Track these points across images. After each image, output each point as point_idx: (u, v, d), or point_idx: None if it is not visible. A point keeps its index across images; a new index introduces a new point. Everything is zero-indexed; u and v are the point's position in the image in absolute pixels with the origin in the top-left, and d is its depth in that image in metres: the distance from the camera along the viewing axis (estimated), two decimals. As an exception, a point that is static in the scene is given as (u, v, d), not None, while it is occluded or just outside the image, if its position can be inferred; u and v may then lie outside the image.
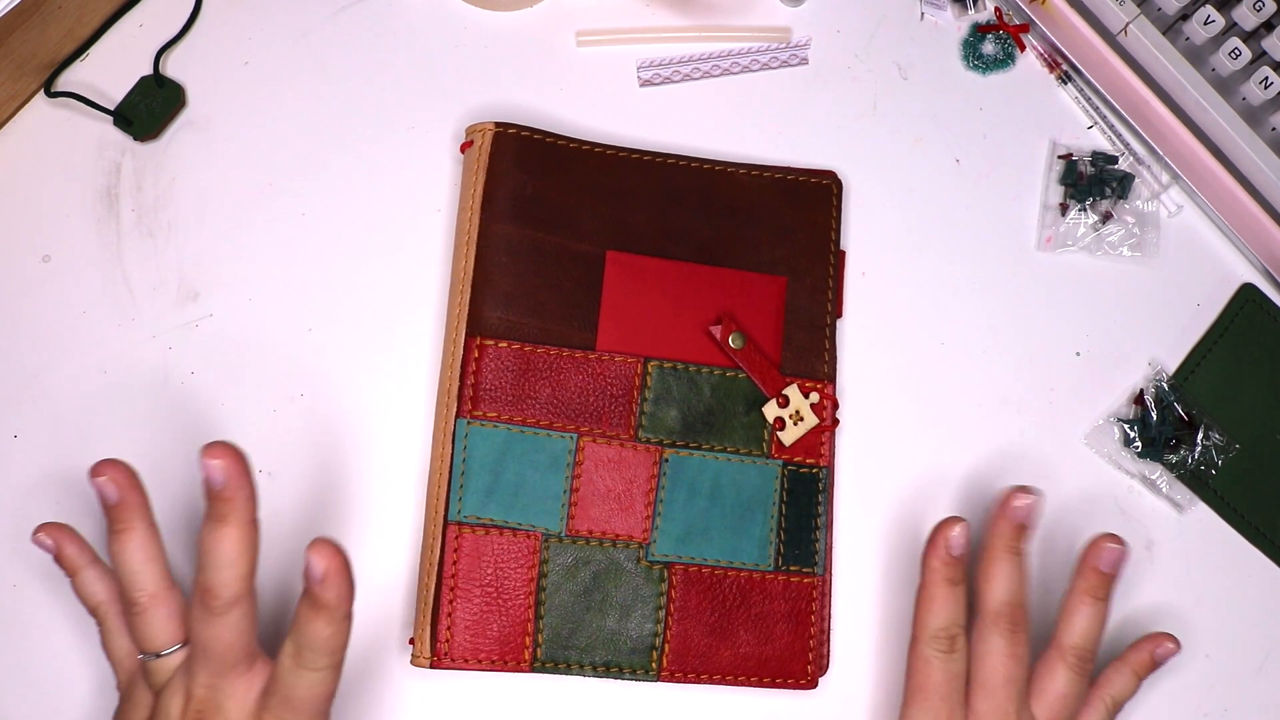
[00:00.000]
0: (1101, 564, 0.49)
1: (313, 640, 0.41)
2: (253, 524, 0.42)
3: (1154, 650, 0.51)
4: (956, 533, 0.47)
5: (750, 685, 0.52)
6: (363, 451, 0.55)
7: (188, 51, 0.58)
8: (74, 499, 0.53)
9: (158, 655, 0.44)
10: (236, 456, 0.41)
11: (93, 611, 0.47)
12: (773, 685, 0.52)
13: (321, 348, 0.55)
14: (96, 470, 0.44)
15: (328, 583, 0.40)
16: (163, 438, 0.54)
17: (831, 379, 0.56)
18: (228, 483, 0.41)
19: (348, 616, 0.42)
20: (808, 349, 0.56)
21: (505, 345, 0.52)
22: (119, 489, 0.44)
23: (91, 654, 0.51)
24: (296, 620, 0.42)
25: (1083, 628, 0.49)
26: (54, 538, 0.48)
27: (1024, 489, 0.48)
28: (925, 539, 0.50)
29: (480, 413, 0.52)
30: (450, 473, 0.51)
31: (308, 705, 0.42)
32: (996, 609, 0.47)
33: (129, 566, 0.44)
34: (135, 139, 0.57)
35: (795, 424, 0.55)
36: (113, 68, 0.57)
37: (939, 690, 0.47)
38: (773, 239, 0.57)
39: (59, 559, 0.48)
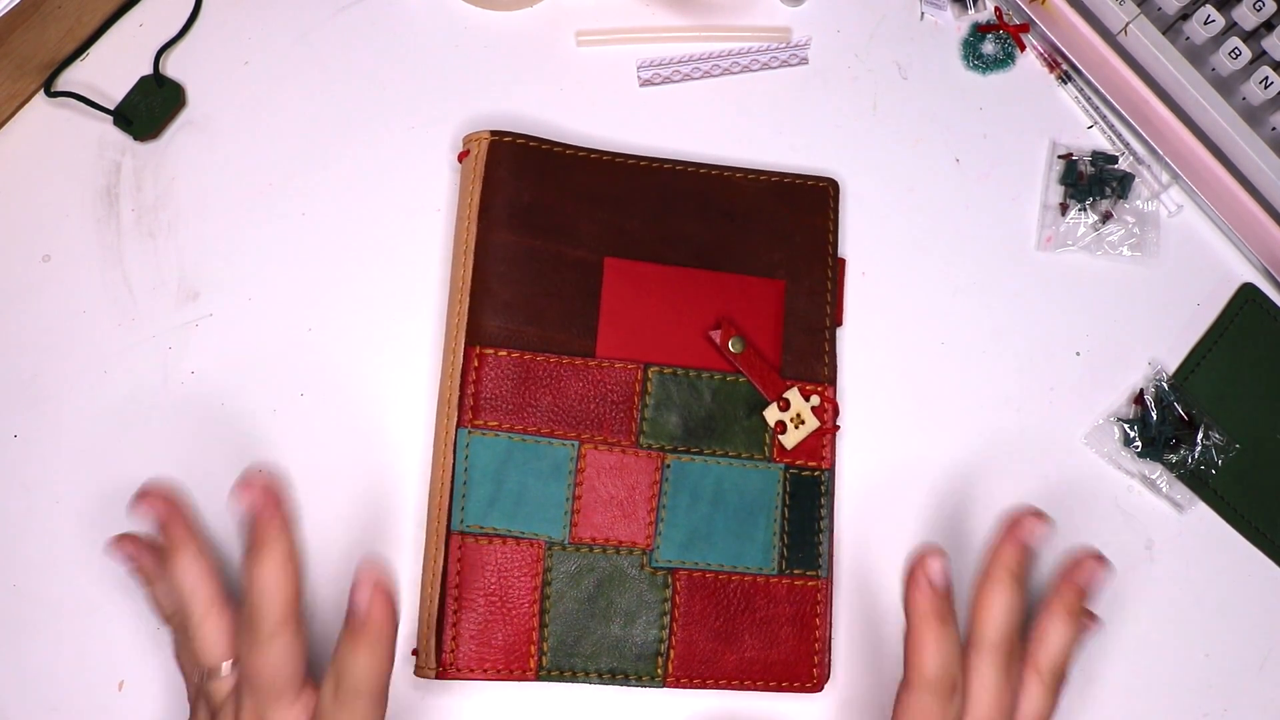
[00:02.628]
0: (1083, 581, 0.46)
1: (352, 674, 0.41)
2: (292, 552, 0.42)
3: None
4: (938, 566, 0.43)
5: (756, 689, 0.52)
6: (363, 453, 0.55)
7: (188, 51, 0.58)
8: (73, 498, 0.53)
9: (216, 675, 0.44)
10: (269, 485, 0.42)
11: (165, 622, 0.48)
12: (778, 689, 0.52)
13: (321, 348, 0.55)
14: (136, 500, 0.46)
15: (372, 615, 0.40)
16: (163, 437, 0.54)
17: (832, 381, 0.56)
18: (262, 512, 0.42)
19: (390, 649, 0.41)
20: (807, 352, 0.56)
21: (505, 354, 0.52)
22: (159, 514, 0.46)
23: (90, 653, 0.52)
24: (336, 652, 0.41)
25: (1059, 646, 0.46)
26: (129, 550, 0.48)
27: (1036, 512, 0.45)
28: (904, 572, 0.48)
29: (481, 422, 0.52)
30: (452, 482, 0.51)
31: None
32: (994, 640, 0.44)
33: (182, 586, 0.45)
34: (135, 139, 0.57)
35: (796, 427, 0.55)
36: (113, 68, 0.57)
37: None
38: (770, 242, 0.57)
39: (135, 571, 0.49)
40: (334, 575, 0.53)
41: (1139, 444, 0.58)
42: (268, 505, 0.41)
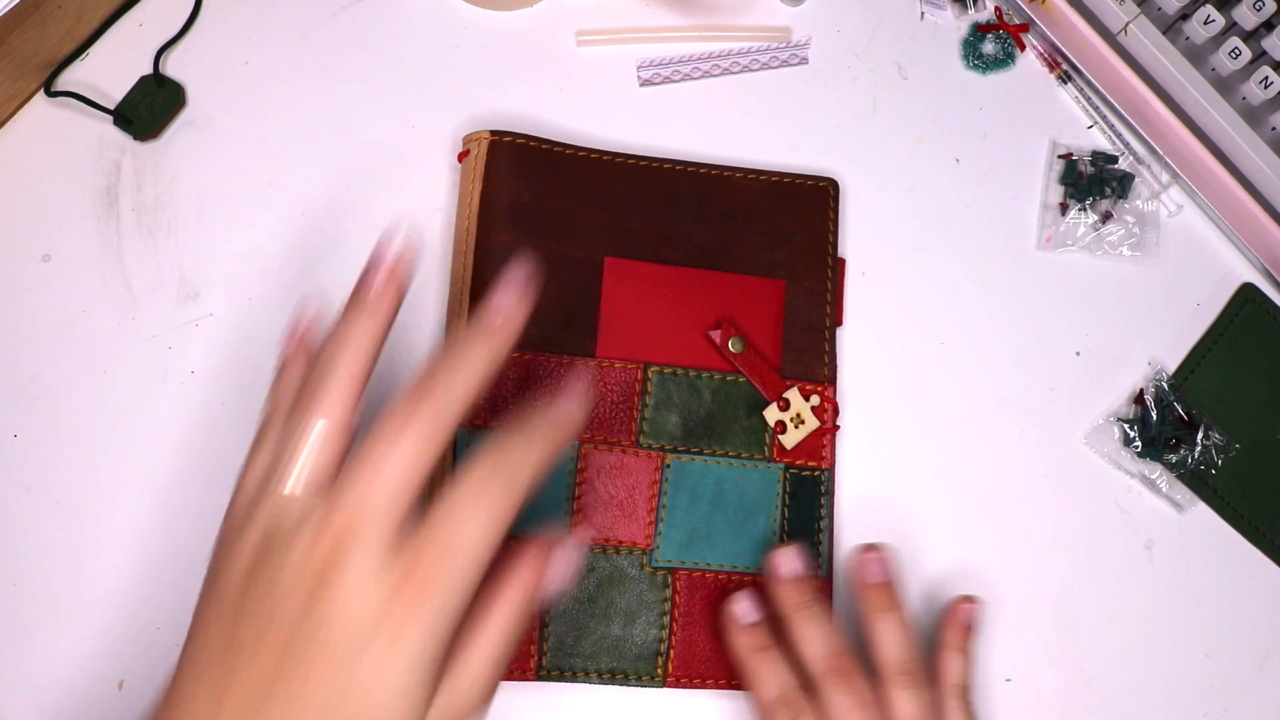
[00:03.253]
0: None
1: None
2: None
3: (962, 621, 0.51)
4: (742, 607, 0.50)
5: None
6: (363, 451, 0.55)
7: (188, 51, 0.58)
8: (73, 499, 0.53)
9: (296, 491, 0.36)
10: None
11: (264, 412, 0.40)
12: None
13: (321, 348, 0.55)
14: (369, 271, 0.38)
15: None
16: (163, 437, 0.54)
17: (832, 381, 0.56)
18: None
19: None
20: (807, 352, 0.56)
21: None
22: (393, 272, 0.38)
23: (90, 653, 0.52)
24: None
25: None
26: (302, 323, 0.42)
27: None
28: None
29: (481, 422, 0.52)
30: None
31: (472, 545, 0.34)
32: (819, 667, 0.48)
33: (327, 363, 0.37)
34: (135, 139, 0.57)
35: (796, 427, 0.55)
36: (113, 67, 0.57)
37: None
38: (770, 242, 0.57)
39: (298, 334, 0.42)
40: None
41: (1139, 444, 0.58)
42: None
